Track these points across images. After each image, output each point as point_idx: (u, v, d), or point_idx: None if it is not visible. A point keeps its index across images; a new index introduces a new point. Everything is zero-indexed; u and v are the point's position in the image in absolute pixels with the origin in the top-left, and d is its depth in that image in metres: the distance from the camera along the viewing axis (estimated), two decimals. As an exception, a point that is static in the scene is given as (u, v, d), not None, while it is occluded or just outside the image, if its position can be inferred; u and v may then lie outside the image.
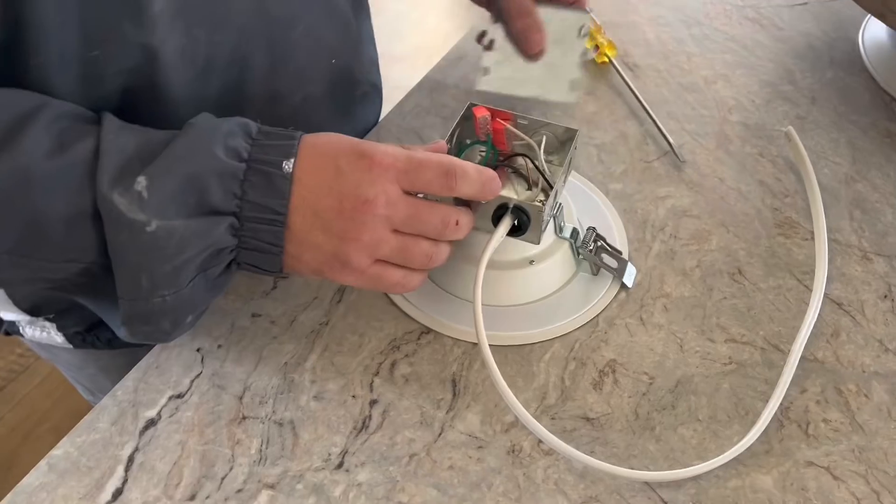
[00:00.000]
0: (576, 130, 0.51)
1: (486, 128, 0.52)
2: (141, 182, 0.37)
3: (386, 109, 0.69)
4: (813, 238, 0.57)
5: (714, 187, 0.61)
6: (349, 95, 0.60)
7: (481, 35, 0.60)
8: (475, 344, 0.51)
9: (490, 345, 0.50)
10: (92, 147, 0.38)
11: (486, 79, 0.60)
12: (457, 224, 0.45)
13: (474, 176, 0.44)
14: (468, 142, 0.53)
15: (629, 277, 0.54)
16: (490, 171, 0.45)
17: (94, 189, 0.37)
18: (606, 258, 0.54)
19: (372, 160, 0.41)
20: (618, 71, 0.69)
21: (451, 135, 0.51)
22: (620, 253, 0.55)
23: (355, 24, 0.58)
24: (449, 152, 0.49)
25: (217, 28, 0.45)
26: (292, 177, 0.40)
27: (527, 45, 0.56)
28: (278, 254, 0.41)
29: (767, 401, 0.47)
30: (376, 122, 0.68)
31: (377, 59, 0.65)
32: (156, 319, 0.40)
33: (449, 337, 0.51)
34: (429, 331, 0.51)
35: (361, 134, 0.65)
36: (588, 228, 0.54)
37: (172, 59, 0.43)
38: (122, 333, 0.42)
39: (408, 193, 0.43)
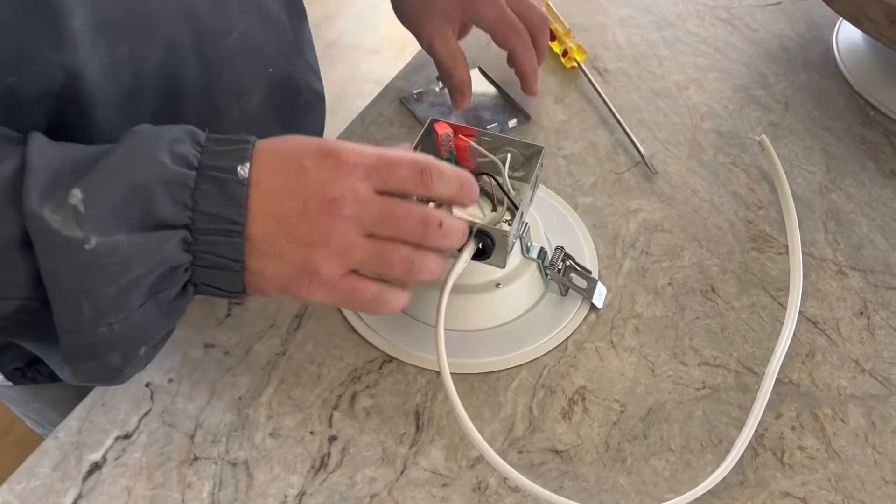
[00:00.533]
0: (541, 148, 0.49)
1: (448, 145, 0.49)
2: (76, 195, 0.33)
3: (358, 103, 0.67)
4: (787, 252, 0.55)
5: (686, 199, 0.59)
6: (290, 105, 0.57)
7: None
8: (439, 373, 0.48)
9: (455, 373, 0.48)
10: (15, 165, 0.34)
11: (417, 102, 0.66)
12: (440, 226, 0.40)
13: (452, 176, 0.41)
14: (430, 158, 0.50)
15: (599, 298, 0.52)
16: (467, 174, 0.42)
17: (21, 211, 0.33)
18: (575, 278, 0.52)
19: (338, 158, 0.38)
20: (587, 77, 0.67)
21: (414, 151, 0.49)
22: (590, 272, 0.53)
23: (291, 30, 0.54)
24: None
25: (142, 42, 0.42)
26: (249, 182, 0.36)
27: (452, 102, 0.62)
28: (239, 270, 0.37)
29: (741, 428, 0.46)
30: (322, 131, 0.65)
31: (317, 65, 0.62)
32: (102, 353, 0.36)
33: (412, 365, 0.49)
34: (391, 359, 0.49)
35: None
36: (556, 248, 0.52)
37: (97, 79, 0.40)
38: (65, 375, 0.38)
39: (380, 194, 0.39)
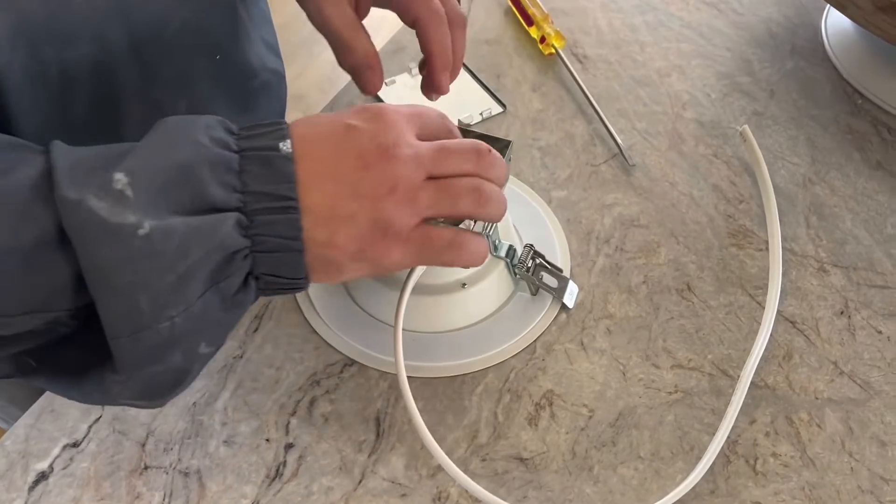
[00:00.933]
0: (510, 142, 0.47)
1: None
2: (121, 179, 0.30)
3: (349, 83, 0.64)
4: (767, 248, 0.53)
5: (664, 193, 0.57)
6: (244, 89, 0.54)
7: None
8: (402, 377, 0.47)
9: (419, 377, 0.47)
10: (40, 167, 0.30)
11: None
12: (490, 153, 0.39)
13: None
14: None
15: (570, 297, 0.50)
16: None
17: (53, 208, 0.29)
18: (546, 277, 0.50)
19: (381, 111, 0.37)
20: (565, 64, 0.65)
21: None
22: (561, 271, 0.51)
23: (243, 7, 0.51)
24: None
25: (68, 43, 0.39)
26: (293, 156, 0.34)
27: (360, 85, 0.46)
28: (300, 249, 0.34)
29: (713, 435, 0.44)
30: (283, 111, 0.63)
31: (275, 40, 0.59)
32: (164, 354, 0.32)
33: (374, 369, 0.47)
34: (353, 362, 0.47)
35: None
36: (525, 246, 0.50)
37: (20, 85, 0.37)
38: (114, 399, 0.33)
39: None
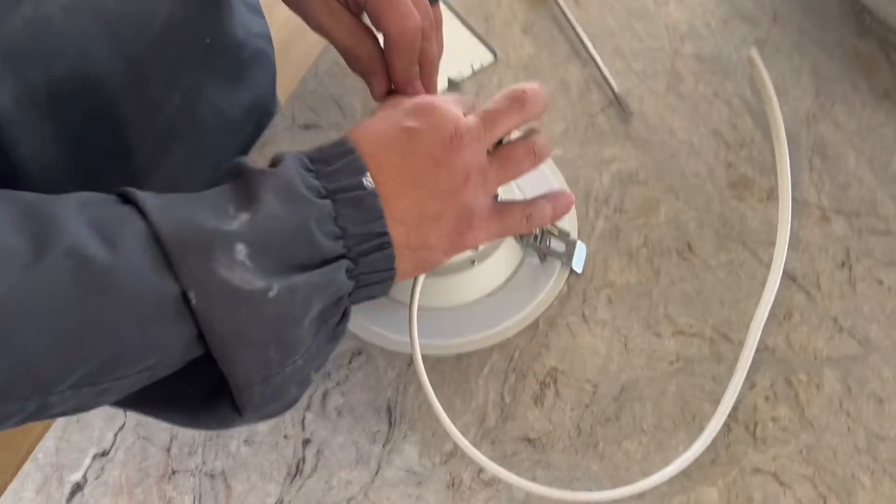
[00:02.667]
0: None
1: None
2: (241, 251, 0.31)
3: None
4: (769, 199, 0.53)
5: (663, 143, 0.56)
6: (235, 64, 0.53)
7: None
8: (409, 364, 0.48)
9: (427, 355, 0.48)
10: (143, 232, 0.31)
11: None
12: (524, 93, 0.41)
13: None
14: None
15: (578, 261, 0.50)
16: None
17: (172, 278, 0.30)
18: (554, 242, 0.50)
19: (431, 104, 0.39)
20: (557, 3, 0.61)
21: None
22: (568, 234, 0.50)
23: None
24: None
25: (53, 62, 0.38)
26: (376, 189, 0.36)
27: (370, 89, 0.46)
28: (392, 277, 0.37)
29: (714, 402, 0.46)
30: (273, 80, 0.61)
31: (258, 4, 0.57)
32: (285, 391, 0.35)
33: (382, 355, 0.48)
34: (360, 352, 0.48)
35: (259, 99, 0.59)
36: (529, 216, 0.50)
37: (10, 113, 0.37)
38: (228, 428, 0.37)
39: None
